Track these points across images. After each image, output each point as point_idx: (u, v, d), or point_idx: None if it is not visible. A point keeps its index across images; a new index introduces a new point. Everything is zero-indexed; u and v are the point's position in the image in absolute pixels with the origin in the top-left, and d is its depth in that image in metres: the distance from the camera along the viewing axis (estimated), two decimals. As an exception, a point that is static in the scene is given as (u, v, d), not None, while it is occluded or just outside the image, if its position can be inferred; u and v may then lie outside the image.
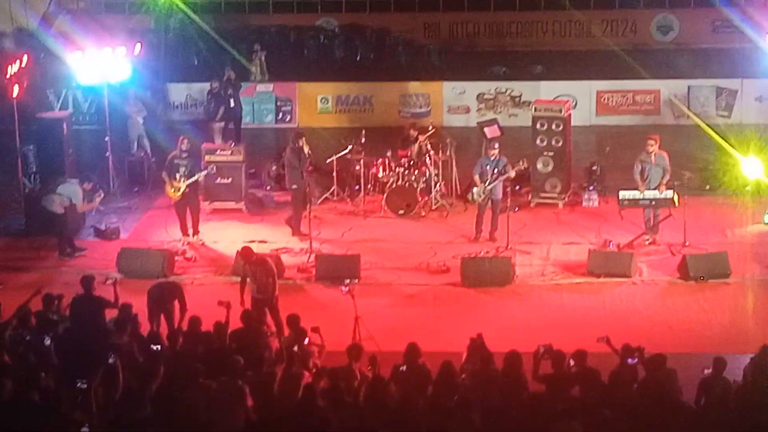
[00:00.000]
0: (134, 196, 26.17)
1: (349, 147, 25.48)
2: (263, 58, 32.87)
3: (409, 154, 25.20)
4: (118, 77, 25.66)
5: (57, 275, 21.81)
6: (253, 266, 18.79)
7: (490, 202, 23.30)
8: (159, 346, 15.93)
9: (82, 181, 23.28)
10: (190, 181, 23.27)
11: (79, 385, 14.07)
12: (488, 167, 23.22)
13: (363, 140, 25.65)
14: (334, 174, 25.59)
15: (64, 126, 24.78)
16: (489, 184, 23.13)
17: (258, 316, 17.59)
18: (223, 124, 28.47)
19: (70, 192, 22.84)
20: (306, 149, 23.69)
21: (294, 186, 23.75)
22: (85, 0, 36.04)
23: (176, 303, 18.08)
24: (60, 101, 27.76)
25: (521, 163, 23.79)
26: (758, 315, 19.79)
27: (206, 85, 29.18)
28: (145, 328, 17.08)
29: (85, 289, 17.58)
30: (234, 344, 15.99)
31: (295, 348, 15.90)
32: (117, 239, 23.68)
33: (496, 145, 23.67)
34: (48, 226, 23.15)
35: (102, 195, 23.58)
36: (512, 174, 23.29)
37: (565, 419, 13.26)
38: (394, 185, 24.70)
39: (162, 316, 18.01)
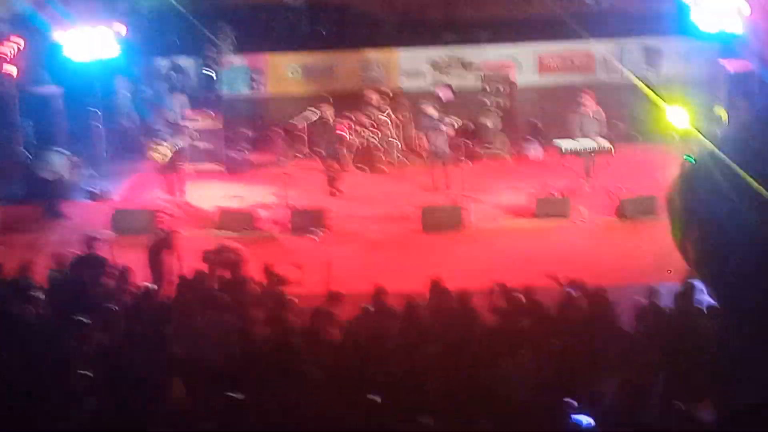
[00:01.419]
0: (124, 163, 26.02)
1: (316, 110, 25.41)
2: (231, 34, 32.60)
3: (371, 116, 25.19)
4: (106, 54, 25.45)
5: (55, 236, 21.77)
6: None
7: (438, 156, 23.49)
8: (152, 285, 16.25)
9: (72, 153, 23.24)
10: (175, 146, 23.23)
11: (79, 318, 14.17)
12: (434, 125, 23.39)
13: (329, 105, 25.58)
14: (305, 136, 25.55)
15: (59, 100, 24.62)
16: (435, 140, 23.30)
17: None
18: (184, 94, 28.25)
19: (56, 162, 22.82)
20: (329, 113, 23.63)
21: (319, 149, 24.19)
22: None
23: (170, 252, 18.03)
24: (54, 78, 27.47)
25: (469, 123, 24.05)
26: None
27: (187, 61, 28.93)
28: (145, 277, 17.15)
29: (87, 247, 17.61)
30: (219, 290, 16.02)
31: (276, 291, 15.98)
32: (109, 201, 23.61)
33: (429, 108, 23.85)
34: (43, 191, 23.10)
35: (89, 171, 23.62)
36: (451, 132, 23.39)
37: (516, 349, 13.34)
38: (359, 145, 24.68)
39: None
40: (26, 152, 24.51)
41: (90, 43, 24.87)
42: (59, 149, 23.34)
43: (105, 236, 19.44)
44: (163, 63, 29.27)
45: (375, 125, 24.91)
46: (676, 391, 12.40)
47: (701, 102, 25.61)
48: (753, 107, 22.83)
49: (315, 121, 23.98)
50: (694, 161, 20.97)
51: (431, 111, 23.61)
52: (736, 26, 23.89)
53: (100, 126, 26.14)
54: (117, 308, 15.07)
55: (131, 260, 17.52)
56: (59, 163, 22.86)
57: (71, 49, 24.80)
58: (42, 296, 15.57)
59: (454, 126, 23.66)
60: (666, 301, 15.02)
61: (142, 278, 16.90)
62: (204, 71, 29.03)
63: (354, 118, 25.16)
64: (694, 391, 11.99)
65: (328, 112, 23.56)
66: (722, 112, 23.41)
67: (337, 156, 23.84)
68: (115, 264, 17.32)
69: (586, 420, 11.76)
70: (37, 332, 14.38)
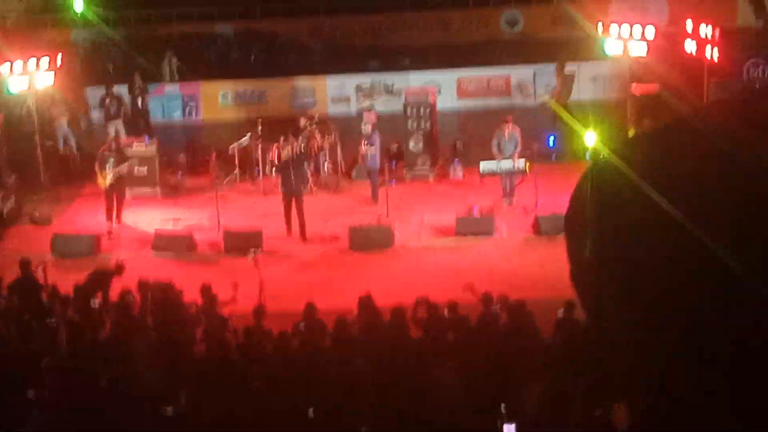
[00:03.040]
0: (63, 188, 25.77)
1: (248, 135, 25.41)
2: (174, 62, 32.51)
3: (299, 140, 25.17)
4: (43, 84, 25.19)
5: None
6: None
7: (370, 173, 23.71)
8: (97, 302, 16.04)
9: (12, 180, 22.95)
10: (117, 171, 23.10)
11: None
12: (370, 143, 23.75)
13: (260, 130, 25.57)
14: (237, 159, 25.48)
15: (-2, 129, 24.35)
16: (368, 158, 23.79)
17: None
18: (120, 121, 28.06)
19: None
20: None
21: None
22: (11, 17, 35.36)
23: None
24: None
25: (393, 146, 24.22)
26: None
27: (115, 88, 28.64)
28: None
29: (22, 271, 17.34)
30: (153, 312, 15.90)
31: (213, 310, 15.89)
32: (49, 225, 23.35)
33: (367, 126, 24.10)
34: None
35: (12, 201, 23.26)
36: (364, 150, 23.85)
37: (441, 361, 13.39)
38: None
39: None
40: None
41: (28, 74, 24.59)
42: None
43: (44, 260, 19.16)
44: (99, 91, 29.02)
45: (304, 149, 24.87)
46: (595, 399, 12.49)
47: (611, 122, 25.99)
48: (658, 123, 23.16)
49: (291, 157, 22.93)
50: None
51: (368, 129, 23.90)
52: (642, 50, 24.25)
53: (39, 152, 25.86)
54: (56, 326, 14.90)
55: (70, 283, 17.30)
56: None
57: (10, 80, 24.52)
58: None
59: (391, 152, 23.99)
60: (581, 312, 15.13)
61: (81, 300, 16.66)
62: (136, 102, 28.87)
63: (283, 142, 25.08)
64: (611, 397, 12.08)
65: (295, 145, 23.03)
66: (632, 131, 23.71)
67: (288, 192, 22.27)
68: (51, 286, 17.10)
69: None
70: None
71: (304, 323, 15.06)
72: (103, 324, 15.65)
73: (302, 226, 22.02)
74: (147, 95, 29.36)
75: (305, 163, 23.24)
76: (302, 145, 24.12)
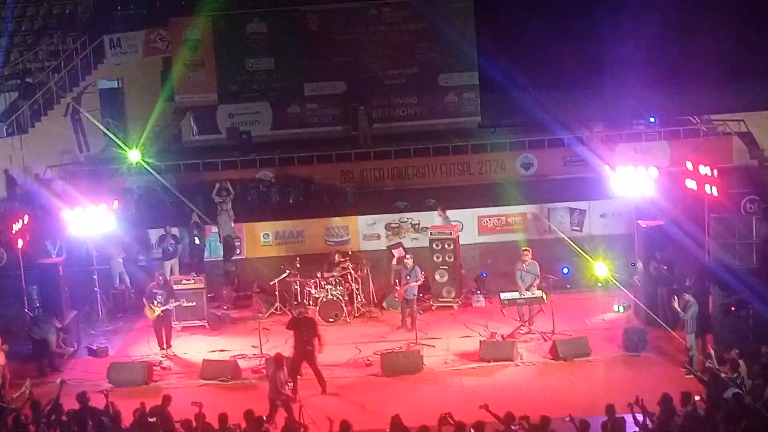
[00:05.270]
0: (118, 321, 25.93)
1: (287, 271, 25.59)
2: (230, 208, 32.64)
3: (334, 274, 25.35)
4: (101, 228, 25.54)
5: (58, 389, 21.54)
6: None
7: (407, 302, 23.90)
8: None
9: (61, 330, 23.15)
10: (166, 307, 23.30)
11: None
12: (409, 274, 23.96)
13: (298, 265, 25.78)
14: (277, 293, 25.62)
15: (60, 269, 24.52)
16: (406, 287, 23.91)
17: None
18: (175, 260, 28.20)
19: (47, 330, 22.82)
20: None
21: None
22: (72, 167, 36.05)
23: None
24: (56, 249, 27.60)
25: (422, 277, 24.36)
26: (614, 384, 19.96)
27: (173, 230, 28.89)
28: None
29: (81, 403, 17.45)
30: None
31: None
32: (106, 356, 23.46)
33: (407, 258, 24.46)
34: (39, 351, 22.93)
35: (75, 348, 23.48)
36: (421, 278, 24.01)
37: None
38: (324, 299, 24.77)
39: None
40: (30, 315, 24.29)
41: (88, 219, 24.98)
42: (46, 316, 23.28)
43: (102, 388, 19.24)
44: (159, 232, 29.29)
45: (339, 282, 25.06)
46: None
47: (619, 255, 26.09)
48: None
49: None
50: (623, 310, 21.10)
51: (408, 262, 24.11)
52: (648, 189, 24.43)
53: (97, 290, 26.12)
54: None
55: (126, 408, 17.36)
56: (45, 328, 22.86)
57: (73, 225, 24.95)
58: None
59: (419, 278, 24.06)
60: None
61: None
62: (193, 239, 29.18)
63: (320, 276, 25.29)
64: None
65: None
66: (639, 264, 23.79)
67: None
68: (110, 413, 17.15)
69: None
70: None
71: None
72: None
73: (321, 379, 20.70)
74: (204, 235, 29.74)
75: (316, 327, 21.42)
76: (313, 307, 24.24)
